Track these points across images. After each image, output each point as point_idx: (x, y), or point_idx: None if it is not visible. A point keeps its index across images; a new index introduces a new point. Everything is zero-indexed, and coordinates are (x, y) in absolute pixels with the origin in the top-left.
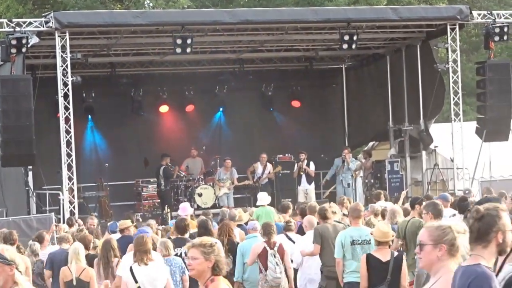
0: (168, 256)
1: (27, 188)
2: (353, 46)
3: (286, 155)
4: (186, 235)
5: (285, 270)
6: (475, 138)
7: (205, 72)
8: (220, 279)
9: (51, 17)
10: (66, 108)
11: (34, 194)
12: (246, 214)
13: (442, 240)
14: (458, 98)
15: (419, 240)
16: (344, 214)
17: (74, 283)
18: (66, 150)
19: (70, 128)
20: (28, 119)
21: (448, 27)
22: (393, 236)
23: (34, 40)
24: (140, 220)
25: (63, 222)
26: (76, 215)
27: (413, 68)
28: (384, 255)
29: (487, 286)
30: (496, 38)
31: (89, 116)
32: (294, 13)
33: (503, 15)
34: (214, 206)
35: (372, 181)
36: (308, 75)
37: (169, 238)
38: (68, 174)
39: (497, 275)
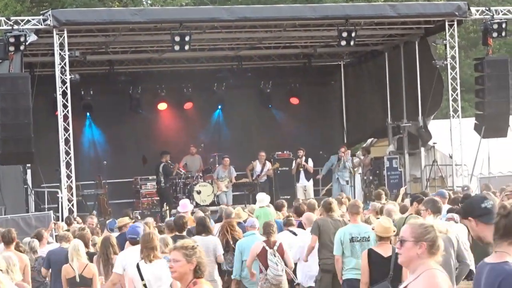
0: (166, 253)
1: (25, 186)
2: (352, 43)
3: (285, 152)
4: (184, 233)
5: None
6: (474, 134)
7: (203, 70)
8: (203, 282)
9: (49, 15)
10: (65, 106)
11: (33, 192)
12: (245, 212)
13: (423, 238)
14: (457, 95)
15: (400, 236)
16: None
17: (77, 279)
18: (65, 148)
19: (68, 126)
20: (27, 117)
21: (447, 23)
22: (394, 231)
23: (32, 38)
24: (139, 217)
25: (62, 220)
26: (75, 213)
27: (411, 64)
28: (385, 251)
29: None
30: (495, 34)
31: (88, 114)
32: (292, 10)
33: (501, 11)
34: (212, 204)
35: (370, 178)
36: (306, 72)
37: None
38: (66, 172)
39: None
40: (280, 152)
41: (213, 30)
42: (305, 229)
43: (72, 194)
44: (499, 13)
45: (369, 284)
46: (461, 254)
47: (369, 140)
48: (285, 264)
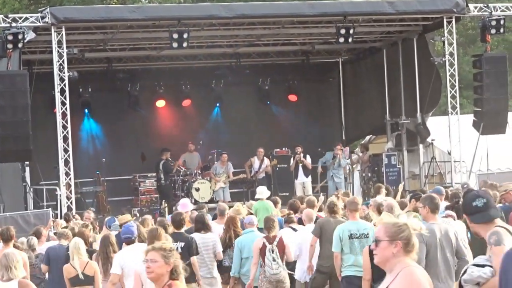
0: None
1: (24, 184)
2: (350, 40)
3: (283, 149)
4: (182, 230)
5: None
6: (472, 131)
7: (201, 67)
8: (178, 284)
9: (47, 12)
10: (63, 103)
11: (31, 189)
12: (244, 208)
13: (398, 236)
14: (455, 91)
15: (375, 236)
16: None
17: (81, 277)
18: (63, 145)
19: (67, 123)
20: (25, 115)
21: (445, 20)
22: (421, 230)
23: (30, 35)
24: (138, 215)
25: (61, 218)
26: (74, 210)
27: (409, 61)
28: None
29: None
30: (493, 31)
31: (86, 111)
32: (291, 7)
33: (499, 8)
34: (211, 201)
35: (369, 174)
36: (304, 69)
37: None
38: (65, 169)
39: None
40: (278, 149)
41: (211, 27)
42: (304, 225)
43: (70, 192)
44: (497, 10)
45: (371, 281)
46: (460, 250)
47: (368, 137)
48: (286, 258)
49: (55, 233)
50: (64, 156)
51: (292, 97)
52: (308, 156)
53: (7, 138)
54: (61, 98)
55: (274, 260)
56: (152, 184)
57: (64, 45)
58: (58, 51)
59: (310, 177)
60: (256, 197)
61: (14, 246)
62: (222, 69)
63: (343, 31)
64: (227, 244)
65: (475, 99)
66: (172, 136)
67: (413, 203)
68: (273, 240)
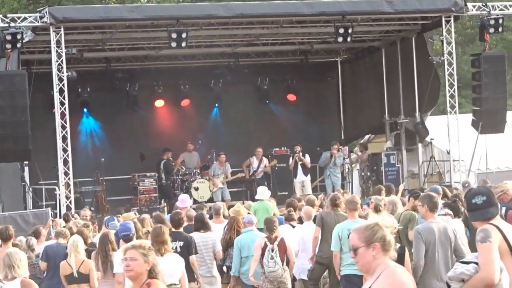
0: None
1: (23, 184)
2: (348, 39)
3: (282, 148)
4: (181, 229)
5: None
6: (471, 130)
7: (200, 66)
8: (157, 282)
9: (46, 12)
10: (62, 103)
11: (31, 189)
12: (244, 208)
13: (373, 239)
14: (454, 91)
15: (350, 245)
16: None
17: (76, 275)
18: (62, 145)
19: (65, 123)
20: (24, 115)
21: (443, 19)
22: (395, 228)
23: (29, 35)
24: (137, 214)
25: (60, 217)
26: (73, 210)
27: (408, 60)
28: None
29: None
30: (491, 30)
31: (85, 111)
32: (289, 7)
33: (498, 7)
34: (210, 200)
35: (368, 174)
36: (303, 68)
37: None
38: (64, 169)
39: None
40: (277, 149)
41: (210, 26)
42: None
43: (69, 191)
44: (495, 9)
45: None
46: (459, 249)
47: (367, 136)
48: (287, 260)
49: (55, 232)
50: (63, 155)
51: (291, 97)
52: (307, 156)
53: (6, 138)
54: (60, 98)
55: (272, 258)
56: (151, 183)
57: (63, 45)
58: (56, 51)
59: (309, 176)
60: (256, 197)
61: (14, 245)
62: (221, 68)
63: (341, 31)
64: (228, 245)
65: (473, 98)
66: (171, 135)
67: (412, 201)
68: (275, 240)
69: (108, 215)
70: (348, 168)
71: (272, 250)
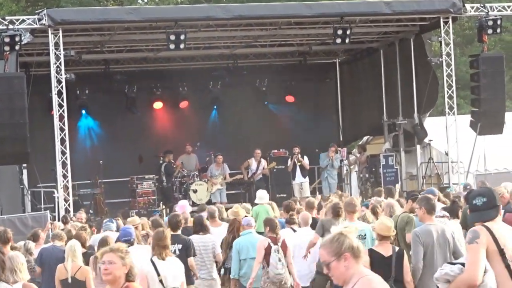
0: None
1: (21, 186)
2: (347, 40)
3: (281, 150)
4: (179, 232)
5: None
6: (470, 131)
7: (199, 68)
8: (135, 286)
9: (44, 14)
10: (60, 106)
11: (29, 192)
12: (242, 209)
13: (341, 250)
14: (452, 92)
15: (322, 261)
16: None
17: (70, 281)
18: (61, 148)
19: (64, 125)
20: (22, 117)
21: (441, 20)
22: (394, 231)
23: (27, 37)
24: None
25: (58, 220)
26: (71, 213)
27: (406, 61)
28: (386, 250)
29: None
30: (490, 31)
31: (83, 113)
32: (288, 8)
33: (496, 8)
34: (208, 202)
35: (367, 175)
36: (302, 70)
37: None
38: (62, 171)
39: None
40: (276, 150)
41: (208, 28)
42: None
43: (68, 194)
44: (494, 10)
45: None
46: (457, 251)
47: (365, 138)
48: (287, 261)
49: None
50: (61, 158)
51: (290, 98)
52: (305, 157)
53: (4, 140)
54: (58, 100)
55: (279, 260)
56: (149, 186)
57: (61, 47)
58: (55, 53)
59: (307, 178)
60: (256, 202)
61: (12, 248)
62: (220, 70)
63: (340, 32)
64: (229, 247)
65: (472, 99)
66: (170, 137)
67: (410, 203)
68: (278, 240)
69: (107, 218)
70: (347, 170)
71: (278, 252)
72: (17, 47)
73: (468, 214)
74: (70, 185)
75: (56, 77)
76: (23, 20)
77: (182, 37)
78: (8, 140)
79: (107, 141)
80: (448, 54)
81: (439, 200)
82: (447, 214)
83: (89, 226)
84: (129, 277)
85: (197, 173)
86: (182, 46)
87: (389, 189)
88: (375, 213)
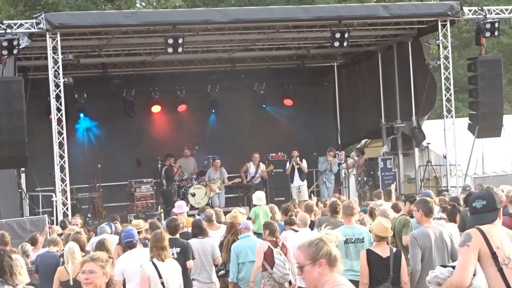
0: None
1: (20, 190)
2: (345, 44)
3: (279, 153)
4: (177, 235)
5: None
6: (468, 134)
7: (197, 72)
8: None
9: (42, 18)
10: (58, 110)
11: (27, 196)
12: (241, 213)
13: (318, 256)
14: (450, 95)
15: (296, 263)
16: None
17: (71, 283)
18: (59, 152)
19: (62, 129)
20: (20, 121)
21: (439, 23)
22: (390, 232)
23: (25, 41)
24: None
25: (57, 224)
26: (70, 217)
27: (404, 65)
28: (383, 251)
29: None
30: (487, 34)
31: (81, 117)
32: (285, 12)
33: (494, 11)
34: (207, 206)
35: (365, 178)
36: (300, 73)
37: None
38: (60, 175)
39: None
40: (274, 154)
41: (206, 32)
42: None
43: (66, 198)
44: (491, 13)
45: (369, 285)
46: (456, 253)
47: (363, 141)
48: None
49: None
50: (59, 162)
51: (288, 102)
52: (304, 161)
53: (2, 144)
54: (56, 104)
55: (284, 262)
56: (148, 189)
57: (59, 51)
58: (53, 57)
59: (305, 181)
60: (254, 203)
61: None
62: (218, 74)
63: (338, 35)
64: (229, 250)
65: (470, 102)
66: (168, 141)
67: (408, 206)
68: (278, 244)
69: (105, 222)
70: (345, 173)
71: (280, 254)
72: (15, 51)
73: (468, 216)
74: (68, 189)
75: (54, 81)
76: (21, 24)
77: (180, 40)
78: (6, 144)
79: (105, 145)
80: (446, 57)
81: (434, 203)
82: (445, 216)
83: (87, 230)
84: (109, 286)
85: (195, 177)
86: (180, 50)
87: (388, 191)
88: (372, 215)
